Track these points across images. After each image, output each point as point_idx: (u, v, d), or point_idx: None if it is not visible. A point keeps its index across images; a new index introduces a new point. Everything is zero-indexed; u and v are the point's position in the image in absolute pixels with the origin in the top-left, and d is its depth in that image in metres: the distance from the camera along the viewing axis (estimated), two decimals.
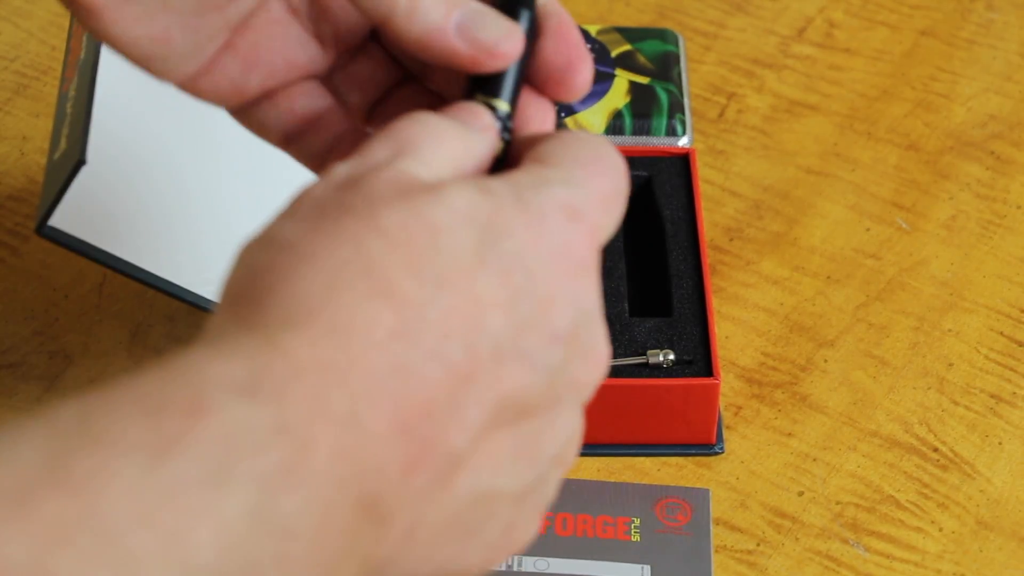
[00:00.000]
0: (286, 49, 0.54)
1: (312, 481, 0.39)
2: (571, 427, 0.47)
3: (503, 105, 0.50)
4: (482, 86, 0.50)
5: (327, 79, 0.56)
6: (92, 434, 0.37)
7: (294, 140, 0.56)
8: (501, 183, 0.46)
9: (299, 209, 0.45)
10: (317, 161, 0.56)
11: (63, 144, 0.63)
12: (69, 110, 0.64)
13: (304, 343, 0.41)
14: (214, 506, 0.37)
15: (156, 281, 0.65)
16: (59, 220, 0.62)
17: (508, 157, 0.50)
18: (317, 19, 0.54)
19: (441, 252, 0.43)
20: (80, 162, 0.61)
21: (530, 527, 0.48)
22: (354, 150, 0.50)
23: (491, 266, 0.44)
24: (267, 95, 0.55)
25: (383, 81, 0.56)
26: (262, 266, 0.44)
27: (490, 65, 0.50)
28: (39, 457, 0.37)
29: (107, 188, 0.63)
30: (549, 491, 0.48)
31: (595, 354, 0.47)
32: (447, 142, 0.47)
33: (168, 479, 0.37)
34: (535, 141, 0.49)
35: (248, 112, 0.55)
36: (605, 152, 0.48)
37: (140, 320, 0.76)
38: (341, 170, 0.46)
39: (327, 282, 0.42)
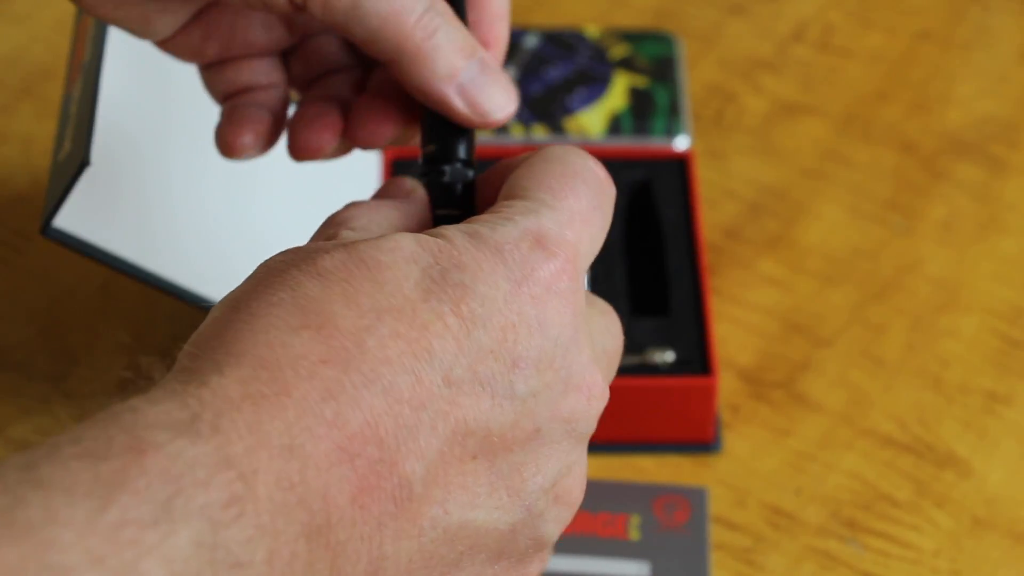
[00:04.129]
0: (244, 30, 0.57)
1: (258, 511, 0.39)
2: (562, 460, 0.47)
3: (461, 152, 0.50)
4: (438, 135, 0.51)
5: (281, 54, 0.59)
6: (39, 481, 0.37)
7: (231, 98, 0.58)
8: (454, 228, 0.45)
9: (253, 275, 0.45)
10: (248, 117, 0.58)
11: (67, 145, 0.64)
12: (73, 112, 0.65)
13: (234, 381, 0.41)
14: (163, 543, 0.38)
15: (159, 282, 0.65)
16: (63, 221, 0.62)
17: (475, 192, 0.50)
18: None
19: (383, 286, 0.43)
20: (84, 163, 0.61)
21: (530, 562, 0.47)
22: (281, 114, 0.55)
23: (437, 295, 0.43)
24: (221, 62, 0.58)
25: (332, 63, 0.58)
26: (206, 324, 0.44)
27: (480, 126, 0.52)
28: None
29: (111, 189, 0.64)
30: (547, 527, 0.47)
31: (580, 384, 0.46)
32: (382, 209, 0.49)
33: (116, 519, 0.37)
34: (505, 170, 0.49)
35: (202, 69, 0.58)
36: (578, 167, 0.48)
37: (144, 320, 0.76)
38: (292, 248, 0.46)
39: (258, 323, 0.43)
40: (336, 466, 0.41)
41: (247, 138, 0.57)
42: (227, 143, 0.57)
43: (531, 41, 0.86)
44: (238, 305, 0.44)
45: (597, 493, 0.69)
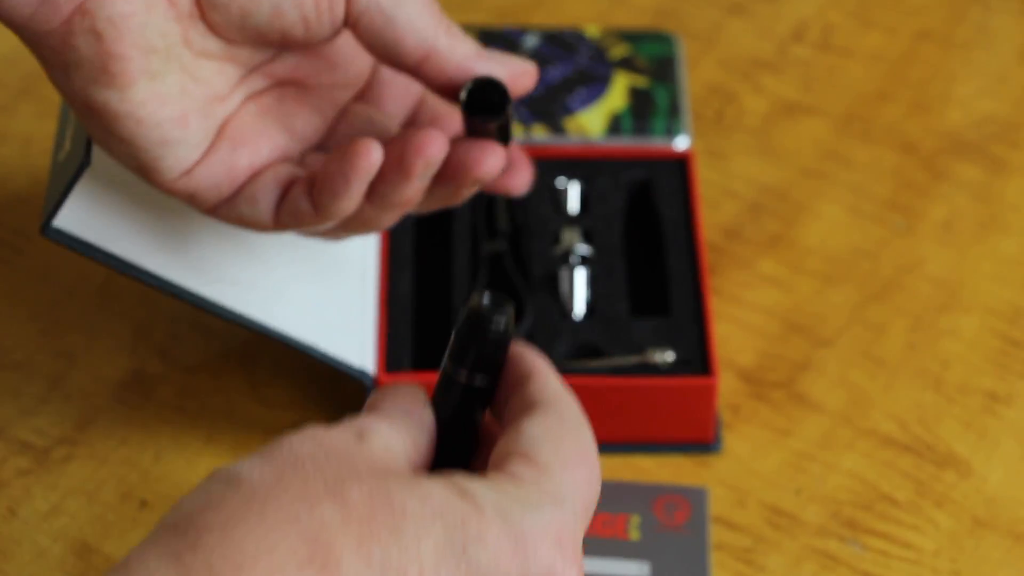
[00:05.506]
0: (267, 133, 0.60)
1: None
2: None
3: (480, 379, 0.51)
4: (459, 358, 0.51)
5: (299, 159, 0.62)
6: None
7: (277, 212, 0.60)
8: (487, 489, 0.46)
9: (273, 456, 0.45)
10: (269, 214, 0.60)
11: (67, 146, 0.64)
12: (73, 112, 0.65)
13: None
14: None
15: (159, 282, 0.65)
16: (63, 221, 0.62)
17: (488, 398, 0.51)
18: (286, 116, 0.61)
19: (400, 538, 0.43)
20: (84, 164, 0.61)
21: None
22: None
23: (450, 569, 0.44)
24: (255, 174, 0.60)
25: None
26: (214, 499, 0.44)
27: (521, 86, 0.60)
28: None
29: (111, 189, 0.64)
30: None
31: None
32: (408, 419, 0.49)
33: None
34: (517, 413, 0.50)
35: (236, 195, 0.60)
36: (585, 442, 0.49)
37: (143, 320, 0.76)
38: (322, 434, 0.46)
39: (266, 537, 0.43)
40: None
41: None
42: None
43: (531, 41, 0.86)
44: (251, 494, 0.44)
45: None
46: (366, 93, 0.63)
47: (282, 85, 0.61)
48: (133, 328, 0.76)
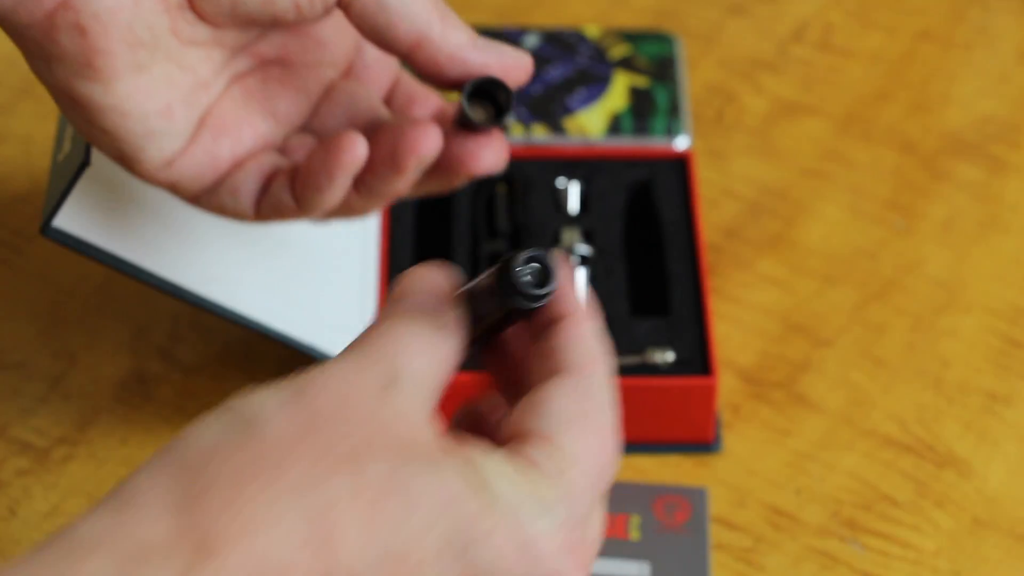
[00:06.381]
0: (249, 120, 0.59)
1: None
2: None
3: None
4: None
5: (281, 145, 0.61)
6: None
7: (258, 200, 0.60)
8: (504, 482, 0.45)
9: (296, 405, 0.44)
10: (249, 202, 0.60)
11: (67, 146, 0.64)
12: None
13: None
14: None
15: (158, 281, 0.65)
16: (63, 221, 0.62)
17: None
18: (270, 99, 0.59)
19: (407, 525, 0.43)
20: (84, 164, 0.61)
21: None
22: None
23: (449, 563, 0.43)
24: (237, 164, 0.59)
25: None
26: (230, 442, 0.43)
27: (515, 76, 0.57)
28: None
29: (111, 189, 0.64)
30: None
31: None
32: (438, 352, 0.48)
33: None
34: (546, 371, 0.49)
35: (218, 185, 0.59)
36: (610, 422, 0.48)
37: (143, 320, 0.76)
38: (348, 385, 0.45)
39: (272, 506, 0.42)
40: None
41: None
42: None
43: (531, 41, 0.86)
44: (268, 455, 0.42)
45: None
46: (350, 70, 0.62)
47: (267, 65, 0.60)
48: (133, 328, 0.76)
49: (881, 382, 0.75)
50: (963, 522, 0.70)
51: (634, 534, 0.69)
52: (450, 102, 0.62)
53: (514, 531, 0.44)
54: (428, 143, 0.57)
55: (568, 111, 0.82)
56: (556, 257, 0.48)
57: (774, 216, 0.81)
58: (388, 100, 0.63)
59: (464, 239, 0.76)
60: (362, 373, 0.45)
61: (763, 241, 0.80)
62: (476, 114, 0.57)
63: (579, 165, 0.79)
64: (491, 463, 0.45)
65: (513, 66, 0.58)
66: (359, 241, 0.74)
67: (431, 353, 0.47)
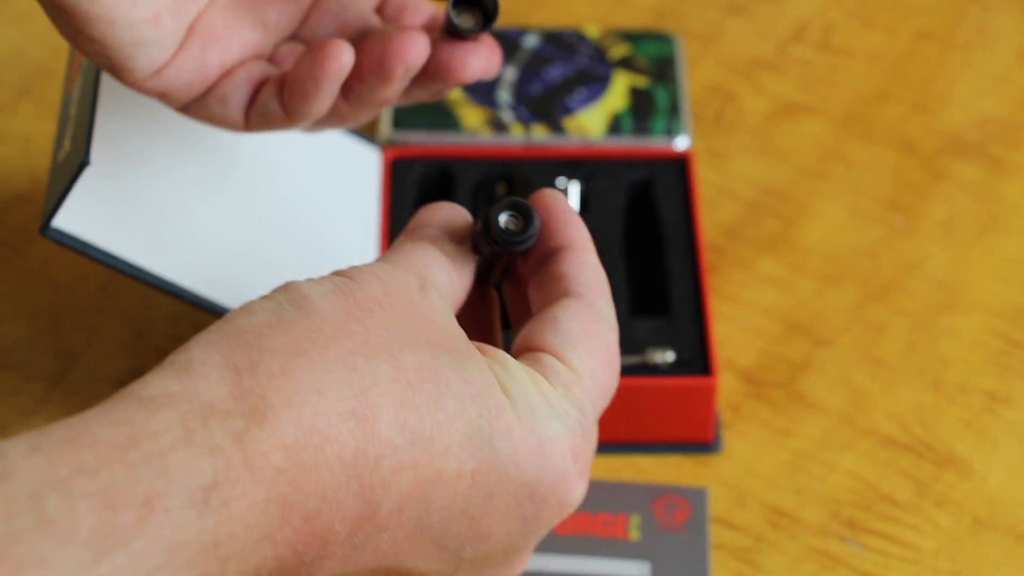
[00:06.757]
0: (238, 29, 0.59)
1: None
2: None
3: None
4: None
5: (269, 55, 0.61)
6: (42, 518, 0.38)
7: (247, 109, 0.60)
8: (523, 384, 0.48)
9: (344, 291, 0.47)
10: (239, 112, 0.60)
11: (67, 145, 0.64)
12: (73, 112, 0.65)
13: (268, 448, 0.43)
14: None
15: (159, 282, 0.65)
16: (63, 221, 0.62)
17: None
18: (259, 7, 0.59)
19: (437, 411, 0.46)
20: (84, 163, 0.61)
21: None
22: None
23: (476, 449, 0.46)
24: (226, 73, 0.59)
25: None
26: (284, 320, 0.46)
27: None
28: None
29: (110, 189, 0.64)
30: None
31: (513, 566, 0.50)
32: (455, 270, 0.52)
33: (106, 574, 0.38)
34: (553, 295, 0.52)
35: (207, 94, 0.59)
36: (613, 342, 0.52)
37: (143, 320, 0.76)
38: (389, 277, 0.49)
39: (322, 378, 0.45)
40: None
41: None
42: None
43: (531, 41, 0.86)
44: (318, 333, 0.46)
45: (597, 493, 0.69)
46: None
47: None
48: (134, 328, 0.76)
49: (881, 382, 0.75)
50: (963, 522, 0.70)
51: (634, 534, 0.69)
52: (442, 10, 0.62)
53: (532, 429, 0.47)
54: (415, 50, 0.57)
55: (568, 111, 0.82)
56: (542, 201, 0.53)
57: (774, 216, 0.81)
58: (380, 9, 0.62)
59: None
60: (401, 272, 0.49)
61: (763, 241, 0.80)
62: (463, 20, 0.58)
63: (579, 165, 0.79)
64: (513, 366, 0.49)
65: None
66: (359, 241, 0.74)
67: (448, 273, 0.51)
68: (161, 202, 0.65)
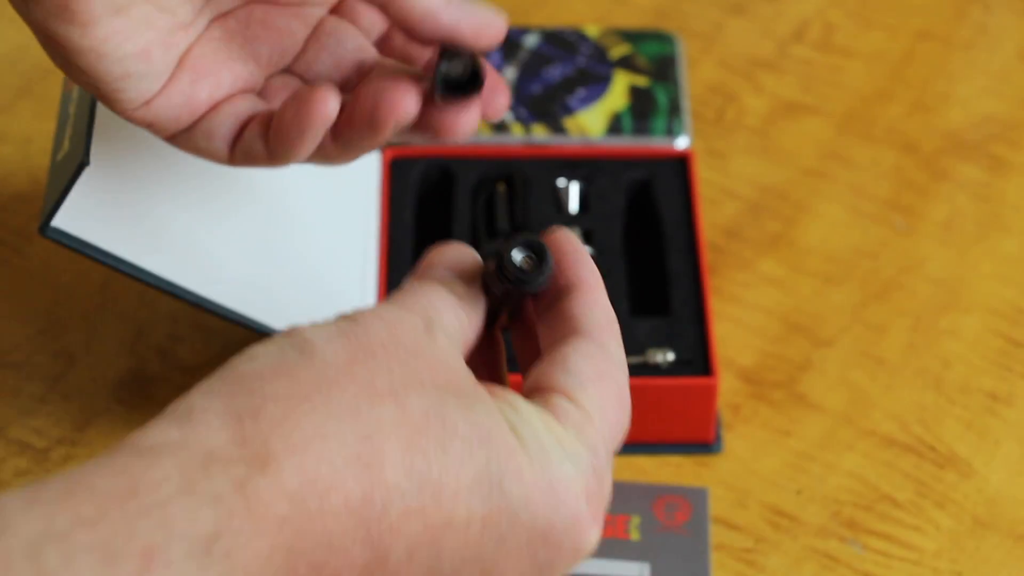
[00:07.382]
0: (229, 63, 0.58)
1: None
2: None
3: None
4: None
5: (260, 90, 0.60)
6: (42, 573, 0.38)
7: (234, 143, 0.59)
8: (534, 426, 0.47)
9: (347, 334, 0.47)
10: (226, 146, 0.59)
11: (66, 145, 0.64)
12: (72, 111, 0.65)
13: (271, 496, 0.42)
14: None
15: (158, 281, 0.65)
16: (62, 221, 0.62)
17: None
18: (252, 41, 0.59)
19: (445, 456, 0.45)
20: (83, 163, 0.61)
21: None
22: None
23: (485, 495, 0.46)
24: (214, 108, 0.58)
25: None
26: (286, 365, 0.45)
27: (484, 42, 0.56)
28: None
29: (110, 189, 0.64)
30: None
31: None
32: (462, 310, 0.51)
33: None
34: (562, 334, 0.51)
35: (193, 127, 0.58)
36: (623, 383, 0.51)
37: (143, 320, 0.76)
38: (394, 318, 0.48)
39: (324, 424, 0.44)
40: None
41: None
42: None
43: (531, 41, 0.86)
44: (321, 378, 0.45)
45: None
46: (341, 7, 0.61)
47: (250, 4, 0.58)
48: (133, 328, 0.76)
49: (881, 382, 0.75)
50: (964, 522, 0.70)
51: (634, 534, 0.69)
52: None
53: (543, 471, 0.47)
54: (407, 107, 0.56)
55: (568, 111, 0.82)
56: (553, 239, 0.52)
57: (774, 216, 0.81)
58: (385, 39, 0.61)
59: (464, 239, 0.76)
60: (406, 313, 0.49)
61: (763, 241, 0.80)
62: (452, 68, 0.57)
63: (579, 165, 0.79)
64: (523, 407, 0.48)
65: (484, 25, 0.57)
66: (359, 241, 0.74)
67: (457, 314, 0.50)
68: (160, 201, 0.65)
